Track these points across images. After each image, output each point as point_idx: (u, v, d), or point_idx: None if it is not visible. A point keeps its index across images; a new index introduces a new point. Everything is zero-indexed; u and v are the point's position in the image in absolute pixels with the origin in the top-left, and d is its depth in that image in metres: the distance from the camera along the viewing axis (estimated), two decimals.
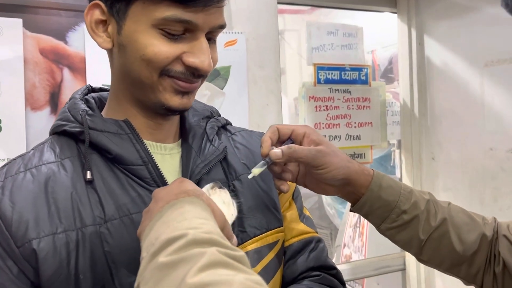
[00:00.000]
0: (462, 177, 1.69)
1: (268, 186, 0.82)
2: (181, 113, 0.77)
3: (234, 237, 0.65)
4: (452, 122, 1.72)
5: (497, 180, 1.57)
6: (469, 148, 1.66)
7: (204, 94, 1.32)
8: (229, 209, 0.69)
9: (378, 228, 0.81)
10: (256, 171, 0.74)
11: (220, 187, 0.71)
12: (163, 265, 0.46)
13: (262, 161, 0.75)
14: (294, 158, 0.75)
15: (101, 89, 0.84)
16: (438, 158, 1.79)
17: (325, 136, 1.78)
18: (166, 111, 0.72)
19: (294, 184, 0.88)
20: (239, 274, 0.43)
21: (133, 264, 0.65)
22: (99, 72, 1.23)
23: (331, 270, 0.83)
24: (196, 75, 0.70)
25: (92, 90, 0.82)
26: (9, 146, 1.15)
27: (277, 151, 0.74)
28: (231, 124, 0.89)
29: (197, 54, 0.68)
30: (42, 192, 0.67)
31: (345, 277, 2.18)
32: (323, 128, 1.77)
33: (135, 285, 0.49)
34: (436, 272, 1.81)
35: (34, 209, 0.65)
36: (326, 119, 1.77)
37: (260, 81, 1.45)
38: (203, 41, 0.69)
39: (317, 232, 0.86)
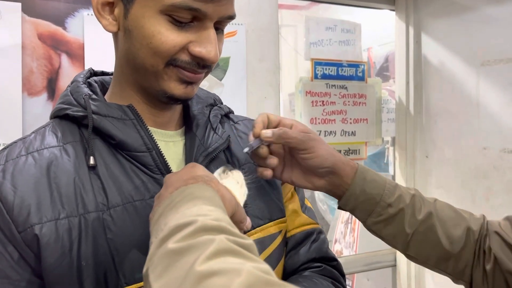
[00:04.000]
0: (455, 175, 1.71)
1: None
2: (183, 102, 0.76)
3: (248, 219, 0.65)
4: (447, 121, 1.74)
5: (490, 179, 1.58)
6: (462, 147, 1.67)
7: (203, 85, 1.32)
8: (242, 189, 0.69)
9: (364, 223, 0.81)
10: (246, 149, 0.75)
11: (231, 169, 0.71)
12: (171, 252, 0.46)
13: (253, 143, 0.76)
14: (284, 138, 0.75)
15: (103, 73, 0.82)
16: (432, 156, 1.81)
17: (320, 131, 1.78)
18: (168, 100, 0.71)
19: None
20: (248, 263, 0.43)
21: (136, 251, 0.65)
22: (98, 59, 1.22)
23: (332, 261, 0.84)
24: (201, 65, 0.69)
25: (94, 73, 0.81)
26: (5, 131, 1.14)
27: (267, 131, 0.75)
28: (233, 113, 0.89)
29: (204, 44, 0.67)
30: (44, 176, 0.65)
31: None
32: (319, 123, 1.77)
33: (144, 269, 0.49)
34: (426, 269, 1.83)
35: (36, 194, 0.63)
36: (322, 114, 1.78)
37: (259, 73, 1.45)
38: (211, 30, 0.68)
39: (318, 224, 0.87)
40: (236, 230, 0.50)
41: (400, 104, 1.92)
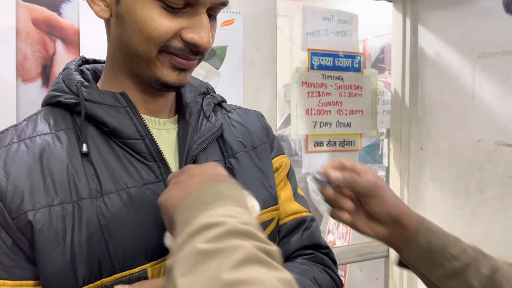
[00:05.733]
0: (449, 167, 1.72)
1: (264, 164, 0.82)
2: (176, 89, 0.76)
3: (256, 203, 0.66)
4: (442, 113, 1.74)
5: (484, 171, 1.60)
6: (457, 139, 1.68)
7: (199, 73, 1.31)
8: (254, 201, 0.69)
9: (427, 279, 0.79)
10: (310, 177, 0.76)
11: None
12: (199, 252, 0.46)
13: (320, 177, 0.77)
14: (353, 185, 0.76)
15: (95, 61, 0.82)
16: (426, 148, 1.82)
17: (316, 122, 1.78)
18: (161, 86, 0.71)
19: (289, 162, 0.89)
20: (271, 272, 0.44)
21: (130, 238, 0.65)
22: (93, 45, 1.21)
23: (323, 249, 0.84)
24: (194, 52, 0.69)
25: (86, 61, 0.80)
26: None
27: (338, 174, 0.76)
28: (226, 102, 0.88)
29: (196, 30, 0.67)
30: (37, 163, 0.65)
31: None
32: (315, 114, 1.77)
33: (169, 261, 0.49)
34: None
35: (29, 181, 0.63)
36: (318, 105, 1.77)
37: (256, 63, 1.44)
38: (203, 16, 0.67)
39: (310, 212, 0.87)
40: (262, 235, 0.50)
41: (396, 95, 1.92)
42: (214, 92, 0.87)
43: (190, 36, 0.66)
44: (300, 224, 0.83)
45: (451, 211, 1.69)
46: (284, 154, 0.89)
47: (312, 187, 3.51)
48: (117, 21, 0.68)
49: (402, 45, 1.89)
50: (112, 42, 0.72)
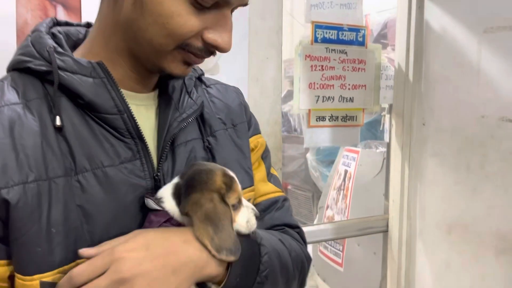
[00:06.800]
0: (451, 143, 1.72)
1: (242, 143, 0.80)
2: (180, 76, 0.73)
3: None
4: (446, 88, 1.73)
5: (486, 147, 1.59)
6: (460, 115, 1.67)
7: None
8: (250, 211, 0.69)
9: None
10: None
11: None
12: None
13: None
14: None
15: (67, 23, 0.76)
16: (429, 124, 1.81)
17: (318, 96, 1.77)
18: (165, 75, 0.70)
19: (264, 142, 0.87)
20: None
21: (107, 218, 0.63)
22: (95, 11, 1.17)
23: (295, 228, 0.85)
24: (211, 52, 0.66)
25: (57, 23, 0.74)
26: None
27: None
28: (204, 74, 0.85)
29: (219, 31, 0.64)
30: (7, 137, 0.60)
31: (327, 236, 2.22)
32: (317, 88, 1.75)
33: None
34: (418, 235, 1.86)
35: (1, 156, 0.59)
36: (321, 79, 1.75)
37: (261, 32, 1.41)
38: (228, 17, 0.65)
39: (283, 192, 0.87)
40: None
41: (399, 70, 1.90)
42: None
43: (213, 37, 0.63)
44: (273, 204, 0.83)
45: (452, 186, 1.70)
46: (260, 133, 0.87)
47: (311, 163, 3.53)
48: (135, 4, 0.62)
49: (407, 18, 1.86)
50: (116, 19, 0.66)
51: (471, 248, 1.65)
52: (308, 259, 0.83)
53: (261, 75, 1.40)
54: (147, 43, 0.64)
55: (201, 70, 0.83)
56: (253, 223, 0.68)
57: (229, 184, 0.65)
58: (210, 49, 0.65)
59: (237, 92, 0.87)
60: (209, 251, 0.61)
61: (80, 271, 0.57)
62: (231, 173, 0.68)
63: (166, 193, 0.66)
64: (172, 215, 0.64)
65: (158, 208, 0.65)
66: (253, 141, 0.84)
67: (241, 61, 1.37)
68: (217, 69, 1.30)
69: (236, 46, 1.42)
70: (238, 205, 0.67)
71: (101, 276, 0.57)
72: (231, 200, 0.65)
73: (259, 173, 0.84)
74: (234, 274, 0.64)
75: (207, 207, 0.61)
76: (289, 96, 3.01)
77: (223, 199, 0.64)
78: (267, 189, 0.83)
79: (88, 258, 0.59)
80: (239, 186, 0.68)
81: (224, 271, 0.64)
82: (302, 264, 0.80)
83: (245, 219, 0.67)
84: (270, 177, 0.86)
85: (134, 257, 0.57)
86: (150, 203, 0.65)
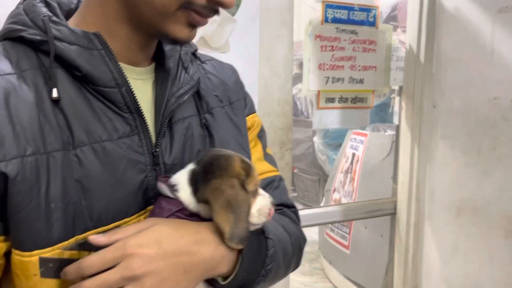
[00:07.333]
0: (462, 125, 1.70)
1: (239, 121, 0.79)
2: (181, 44, 0.71)
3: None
4: (458, 70, 1.71)
5: (498, 129, 1.58)
6: (472, 97, 1.65)
7: (214, 19, 1.26)
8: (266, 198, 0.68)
9: None
10: None
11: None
12: None
13: None
14: None
15: None
16: (439, 106, 1.79)
17: (328, 78, 1.75)
18: (169, 41, 0.67)
19: (260, 121, 0.86)
20: None
21: (105, 193, 0.62)
22: None
23: (291, 207, 0.84)
24: (215, 9, 0.64)
25: None
26: None
27: None
28: (197, 50, 0.82)
29: None
30: (3, 109, 0.57)
31: (335, 218, 2.22)
32: (327, 69, 1.73)
33: None
34: (426, 217, 1.86)
35: None
36: (331, 60, 1.73)
37: (272, 9, 1.38)
38: None
39: (278, 171, 0.86)
40: None
41: (411, 52, 1.88)
42: None
43: None
44: (269, 183, 0.81)
45: (462, 169, 1.69)
46: (256, 112, 0.86)
47: (318, 147, 3.52)
48: None
49: None
50: None
51: (480, 230, 1.65)
52: (303, 239, 0.82)
53: (272, 53, 1.38)
54: (148, 5, 0.62)
55: (195, 45, 0.81)
56: (267, 211, 0.66)
57: (247, 170, 0.64)
58: (214, 7, 0.64)
59: (232, 69, 0.85)
60: (224, 238, 0.60)
61: (89, 262, 0.56)
62: (248, 160, 0.66)
63: (181, 179, 0.64)
64: (186, 205, 0.63)
65: (172, 196, 0.63)
66: (249, 119, 0.83)
67: (251, 39, 1.35)
68: (227, 47, 1.28)
69: (246, 24, 1.41)
70: (255, 192, 0.65)
71: (111, 270, 0.56)
72: (250, 187, 0.64)
73: (256, 152, 0.83)
74: (242, 269, 0.64)
75: (228, 193, 0.60)
76: (296, 78, 2.99)
77: (243, 186, 0.62)
78: (263, 168, 0.82)
79: (98, 246, 0.57)
80: (257, 173, 0.66)
81: (233, 265, 0.63)
82: (300, 246, 0.80)
83: (258, 207, 0.65)
84: (266, 156, 0.85)
85: (146, 254, 0.56)
86: (164, 189, 0.64)
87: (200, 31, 1.23)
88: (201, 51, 0.83)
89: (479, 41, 1.62)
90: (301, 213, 0.87)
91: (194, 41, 0.72)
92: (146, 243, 0.57)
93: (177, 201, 0.63)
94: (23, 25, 0.62)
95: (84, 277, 0.56)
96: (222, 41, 1.27)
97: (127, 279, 0.55)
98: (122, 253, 0.56)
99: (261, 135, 0.86)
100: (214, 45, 1.24)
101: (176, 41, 0.67)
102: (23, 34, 0.62)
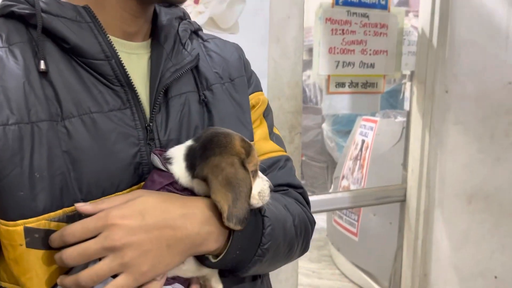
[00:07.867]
0: (475, 111, 1.67)
1: (241, 97, 0.78)
2: (176, 3, 0.70)
3: None
4: (472, 54, 1.67)
5: None
6: (486, 82, 1.62)
7: (223, 0, 1.24)
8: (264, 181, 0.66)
9: None
10: None
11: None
12: None
13: None
14: None
15: None
16: (452, 91, 1.75)
17: (338, 62, 1.72)
18: (164, 3, 0.67)
19: (266, 100, 0.84)
20: None
21: (94, 165, 0.61)
22: None
23: (298, 188, 0.82)
24: None
25: None
26: None
27: None
28: (201, 30, 0.82)
29: None
30: None
31: (344, 205, 2.20)
32: (338, 53, 1.70)
33: None
34: (436, 205, 1.84)
35: None
36: (341, 43, 1.70)
37: None
38: None
39: (285, 151, 0.84)
40: None
41: (423, 35, 1.84)
42: (190, 19, 0.80)
43: None
44: (275, 162, 0.80)
45: (475, 155, 1.66)
46: (262, 91, 0.84)
47: (327, 134, 3.50)
48: None
49: None
50: None
51: (491, 218, 1.63)
52: (312, 222, 0.80)
53: (282, 35, 1.35)
54: None
55: (198, 25, 0.80)
56: (266, 195, 0.65)
57: (247, 149, 0.63)
58: None
59: (237, 47, 0.84)
60: (222, 217, 0.58)
61: (72, 230, 0.56)
62: (248, 140, 0.65)
63: (177, 153, 0.62)
64: (177, 178, 0.61)
65: (163, 168, 0.62)
66: (254, 97, 0.81)
67: (261, 20, 1.32)
68: (237, 28, 1.25)
69: (256, 4, 1.38)
70: (254, 173, 0.64)
71: (92, 239, 0.55)
72: (250, 167, 0.62)
73: (261, 131, 0.81)
74: (234, 247, 0.62)
75: (228, 171, 0.59)
76: (305, 65, 2.95)
77: (243, 165, 0.61)
78: (268, 148, 0.80)
79: (84, 214, 0.57)
80: (257, 153, 0.65)
81: (224, 243, 0.62)
82: (306, 228, 0.78)
83: (258, 189, 0.64)
84: (272, 136, 0.83)
85: (127, 225, 0.55)
86: (156, 161, 0.62)
87: (209, 12, 1.21)
88: (210, 32, 0.82)
89: (494, 24, 1.58)
90: (310, 199, 0.85)
91: (203, 22, 0.71)
92: (129, 214, 0.56)
93: (169, 174, 0.62)
94: (13, 0, 0.63)
95: (66, 246, 0.56)
96: (231, 22, 1.24)
97: (107, 250, 0.54)
98: (104, 223, 0.55)
99: (267, 114, 0.84)
100: (223, 26, 1.22)
101: (171, 2, 0.66)
102: (13, 9, 0.63)
